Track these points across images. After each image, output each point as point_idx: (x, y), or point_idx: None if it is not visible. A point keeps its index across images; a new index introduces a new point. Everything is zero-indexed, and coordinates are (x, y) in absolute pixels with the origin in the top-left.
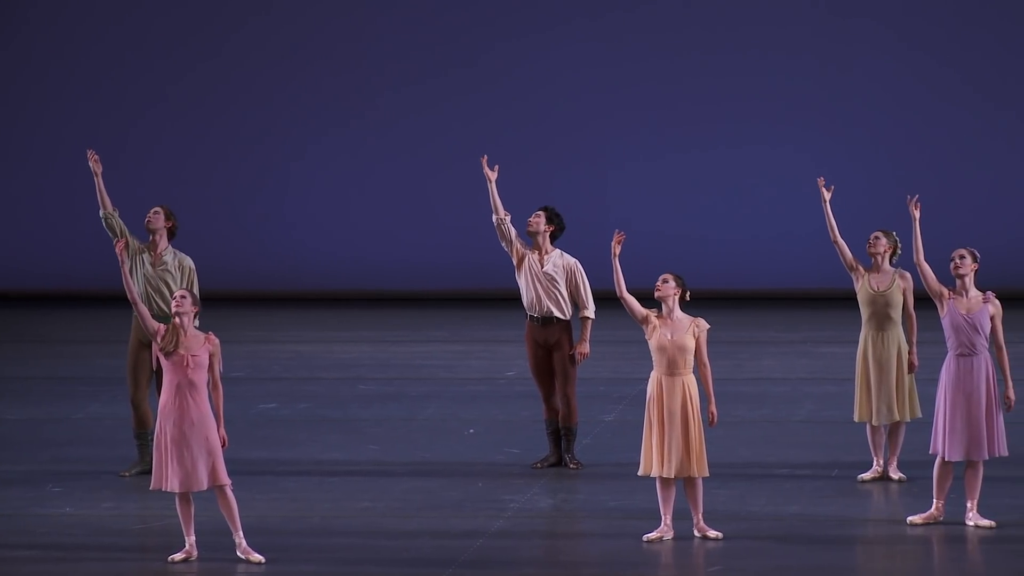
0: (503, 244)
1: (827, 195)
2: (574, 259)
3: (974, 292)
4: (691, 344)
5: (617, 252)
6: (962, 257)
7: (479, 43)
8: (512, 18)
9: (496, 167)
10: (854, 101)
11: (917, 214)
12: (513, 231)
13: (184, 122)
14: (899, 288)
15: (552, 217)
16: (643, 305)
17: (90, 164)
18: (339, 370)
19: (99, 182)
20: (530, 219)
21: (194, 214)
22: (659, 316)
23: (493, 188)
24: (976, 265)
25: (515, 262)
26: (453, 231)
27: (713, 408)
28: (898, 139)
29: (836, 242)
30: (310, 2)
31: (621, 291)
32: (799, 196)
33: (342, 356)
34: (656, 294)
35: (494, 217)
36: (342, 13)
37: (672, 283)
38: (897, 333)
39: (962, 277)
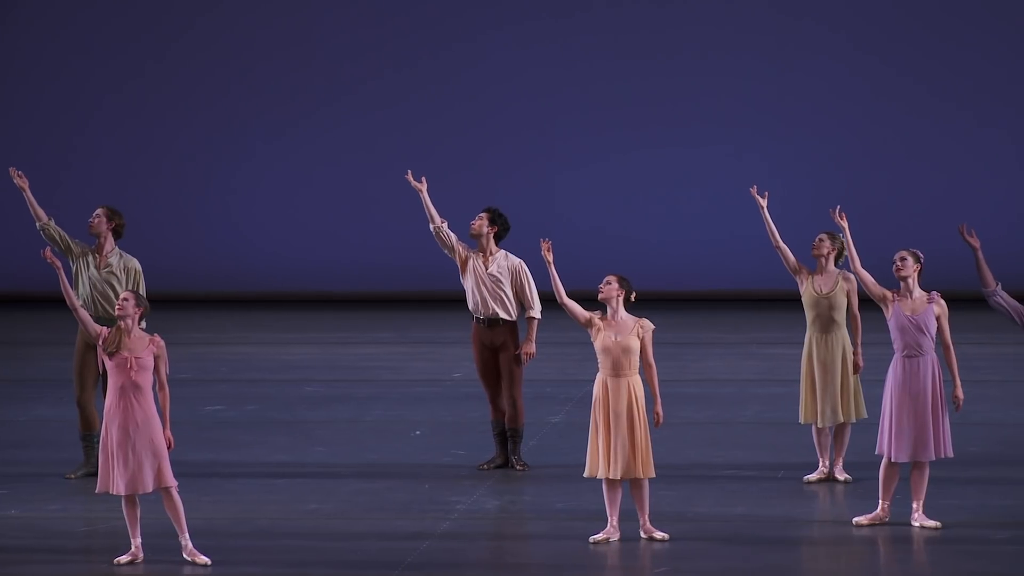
0: (445, 251)
1: (763, 202)
2: (519, 259)
3: (919, 293)
4: (636, 345)
5: (550, 259)
6: (903, 259)
7: (425, 45)
8: (458, 21)
9: (423, 178)
10: (800, 102)
11: (845, 224)
12: (452, 236)
13: (130, 124)
14: (843, 290)
15: (495, 218)
16: (586, 308)
17: (15, 181)
18: (286, 372)
19: (28, 196)
20: (472, 222)
21: (141, 216)
22: (603, 318)
23: (425, 199)
24: (919, 266)
25: (459, 265)
26: (399, 233)
27: (659, 408)
28: (844, 140)
29: (778, 247)
30: (256, 4)
31: (561, 297)
32: (744, 197)
33: (289, 358)
34: (600, 296)
35: (431, 226)
36: (288, 14)
37: (615, 284)
38: (842, 335)
39: (904, 279)
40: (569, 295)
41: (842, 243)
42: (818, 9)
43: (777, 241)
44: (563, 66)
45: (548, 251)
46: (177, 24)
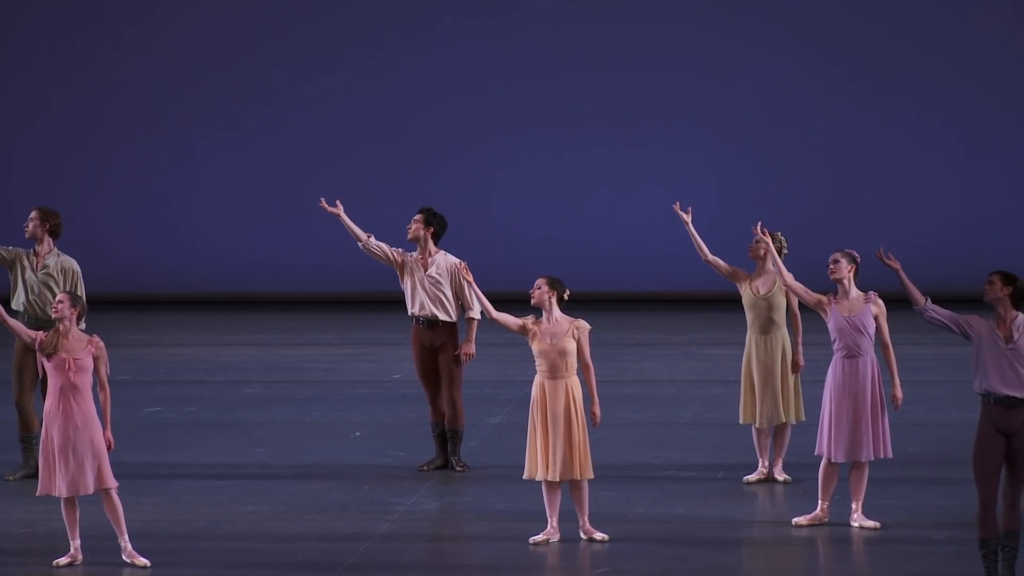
0: (380, 263)
1: (686, 218)
2: (457, 259)
3: (855, 293)
4: (572, 347)
5: (470, 279)
6: (836, 261)
7: (363, 45)
8: (394, 21)
9: (338, 202)
10: (740, 102)
11: (768, 239)
12: (382, 246)
13: (71, 125)
14: (782, 290)
15: (430, 218)
16: (517, 315)
17: None
18: (225, 373)
19: None
20: (408, 227)
21: (80, 218)
22: (536, 321)
23: (345, 221)
24: (854, 266)
25: (397, 270)
26: (338, 234)
27: (596, 409)
28: (785, 140)
29: (708, 261)
30: (193, 5)
31: (491, 315)
32: (684, 198)
33: (228, 359)
34: (532, 301)
35: (359, 244)
36: (226, 16)
37: (545, 287)
38: (782, 335)
39: (839, 281)
40: (508, 298)
41: (781, 241)
42: (759, 9)
43: (706, 256)
44: (500, 66)
45: (467, 272)
46: (118, 26)
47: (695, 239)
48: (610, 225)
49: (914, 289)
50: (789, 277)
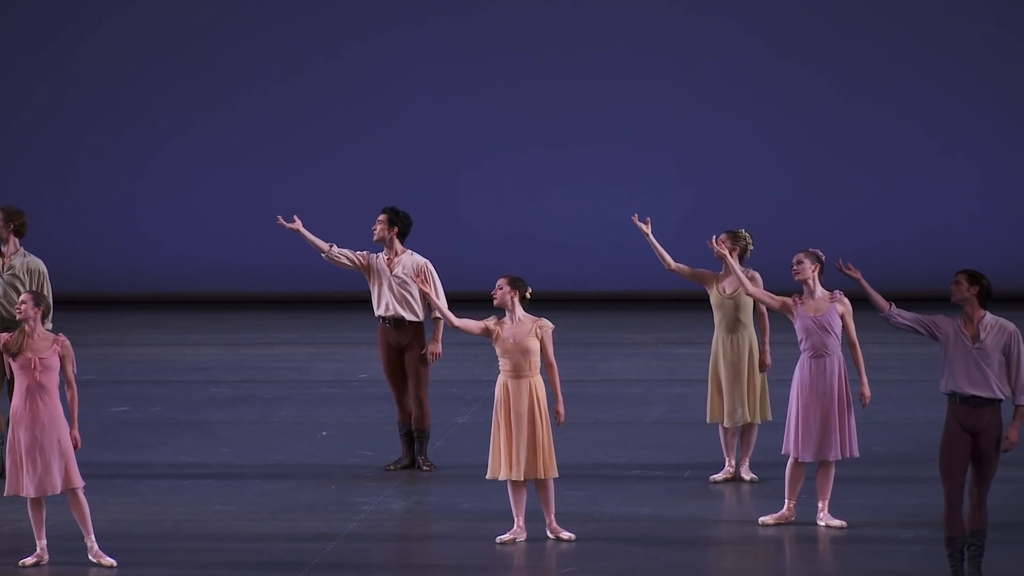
0: (347, 269)
1: (646, 229)
2: (424, 259)
3: (821, 293)
4: (535, 346)
5: (428, 290)
6: (799, 262)
7: (329, 44)
8: (360, 20)
9: (296, 217)
10: (709, 101)
11: (725, 251)
12: (345, 253)
13: (37, 125)
14: None
15: (393, 218)
16: (480, 317)
17: None
18: (191, 373)
19: None
20: (373, 228)
21: (46, 218)
22: (499, 322)
23: (305, 235)
24: (818, 266)
25: (364, 273)
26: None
27: (560, 408)
28: (754, 139)
29: (672, 270)
30: (160, 5)
31: (452, 323)
32: (652, 197)
33: (194, 359)
34: (495, 303)
35: (322, 256)
36: (191, 15)
37: (507, 288)
38: (749, 334)
39: (803, 281)
40: (475, 298)
41: (746, 239)
42: (728, 8)
43: (669, 265)
44: (467, 65)
45: (423, 282)
46: (82, 26)
47: (657, 249)
48: (577, 225)
49: (877, 296)
50: (751, 285)
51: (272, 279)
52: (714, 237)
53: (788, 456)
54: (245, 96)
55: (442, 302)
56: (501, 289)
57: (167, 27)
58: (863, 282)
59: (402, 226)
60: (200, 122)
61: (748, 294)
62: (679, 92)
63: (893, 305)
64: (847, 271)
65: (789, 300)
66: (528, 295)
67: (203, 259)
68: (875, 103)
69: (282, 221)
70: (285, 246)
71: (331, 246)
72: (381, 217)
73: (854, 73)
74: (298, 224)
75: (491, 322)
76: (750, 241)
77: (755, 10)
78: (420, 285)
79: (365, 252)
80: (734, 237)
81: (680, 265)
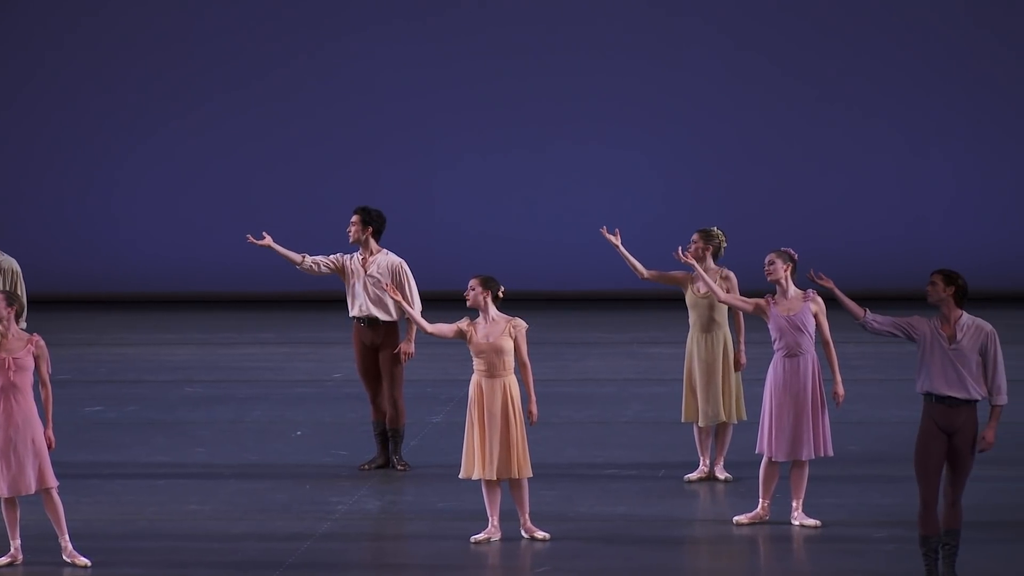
0: (325, 275)
1: (615, 240)
2: (399, 259)
3: (794, 292)
4: (509, 345)
5: (398, 298)
6: (771, 262)
7: (304, 43)
8: (334, 20)
9: (265, 234)
10: (682, 100)
11: (694, 262)
12: (318, 260)
13: (10, 124)
14: (722, 289)
15: (366, 218)
16: (452, 321)
17: None
18: (166, 372)
19: None
20: (348, 230)
21: (22, 217)
22: (472, 322)
23: (277, 249)
24: (791, 265)
25: (340, 275)
26: (278, 232)
27: (533, 407)
28: (726, 138)
29: (647, 278)
30: (136, 4)
31: (426, 330)
32: (625, 196)
33: (169, 358)
34: (468, 303)
35: (297, 268)
36: (167, 14)
37: (478, 288)
38: (723, 334)
39: (776, 281)
40: (451, 297)
41: (718, 237)
42: (700, 7)
43: (643, 274)
44: (441, 65)
45: (394, 292)
46: (58, 25)
47: (629, 260)
48: (553, 224)
49: (851, 303)
50: (723, 293)
51: (247, 279)
52: (680, 248)
53: (762, 455)
54: (219, 96)
55: (416, 307)
56: (473, 290)
57: (143, 26)
58: (836, 290)
59: (376, 225)
60: (175, 121)
61: (720, 301)
62: (653, 91)
63: (868, 311)
64: (819, 280)
65: (762, 301)
66: (501, 294)
67: (178, 259)
68: (849, 102)
69: (252, 239)
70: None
71: (303, 257)
72: (354, 218)
73: (829, 72)
74: (268, 240)
75: (464, 323)
76: (723, 239)
77: (729, 9)
78: (391, 294)
79: (338, 254)
80: (706, 236)
81: (652, 271)
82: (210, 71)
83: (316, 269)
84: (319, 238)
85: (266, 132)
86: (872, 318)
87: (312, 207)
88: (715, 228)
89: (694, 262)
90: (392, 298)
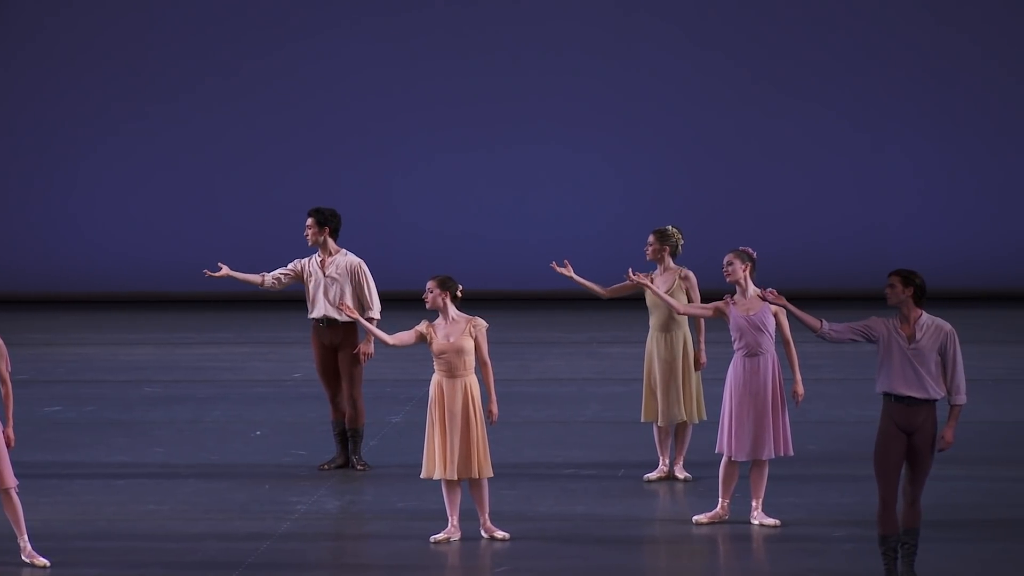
0: (289, 285)
1: (568, 272)
2: (358, 259)
3: (753, 291)
4: (469, 345)
5: (357, 316)
6: (730, 263)
7: (263, 43)
8: (297, 18)
9: (221, 265)
10: (641, 100)
11: (643, 279)
12: (277, 275)
13: None
14: (682, 289)
15: (322, 219)
16: (416, 319)
17: None
18: (125, 373)
19: None
20: (305, 234)
21: None
22: (432, 324)
23: (236, 276)
24: (749, 264)
25: (299, 279)
26: (238, 232)
27: (493, 407)
28: (686, 137)
29: (609, 296)
30: (96, 5)
31: (387, 344)
32: (586, 196)
33: (128, 359)
34: (427, 306)
35: (260, 288)
36: (126, 14)
37: (436, 291)
38: (683, 333)
39: (736, 282)
40: (410, 297)
41: (673, 236)
42: (659, 6)
43: (604, 294)
44: (401, 65)
45: (351, 311)
46: (17, 27)
47: (586, 286)
48: (512, 223)
49: (807, 317)
50: (681, 305)
51: (206, 279)
52: (630, 270)
53: (722, 455)
54: (178, 96)
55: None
56: (432, 292)
57: (102, 26)
58: (790, 306)
59: (332, 224)
60: (134, 122)
61: (680, 314)
62: (612, 91)
63: (823, 322)
64: (772, 300)
65: (720, 304)
66: (459, 294)
67: (137, 259)
68: (810, 101)
69: (209, 273)
70: (219, 245)
71: (263, 277)
72: (309, 221)
73: (788, 71)
74: (225, 270)
75: (423, 327)
76: (680, 237)
77: (688, 8)
78: (348, 313)
79: (295, 261)
80: (662, 236)
81: (610, 288)
82: (169, 72)
83: (279, 284)
84: (279, 238)
85: (226, 132)
86: (829, 328)
87: (272, 207)
88: (670, 227)
89: (647, 282)
90: (349, 317)
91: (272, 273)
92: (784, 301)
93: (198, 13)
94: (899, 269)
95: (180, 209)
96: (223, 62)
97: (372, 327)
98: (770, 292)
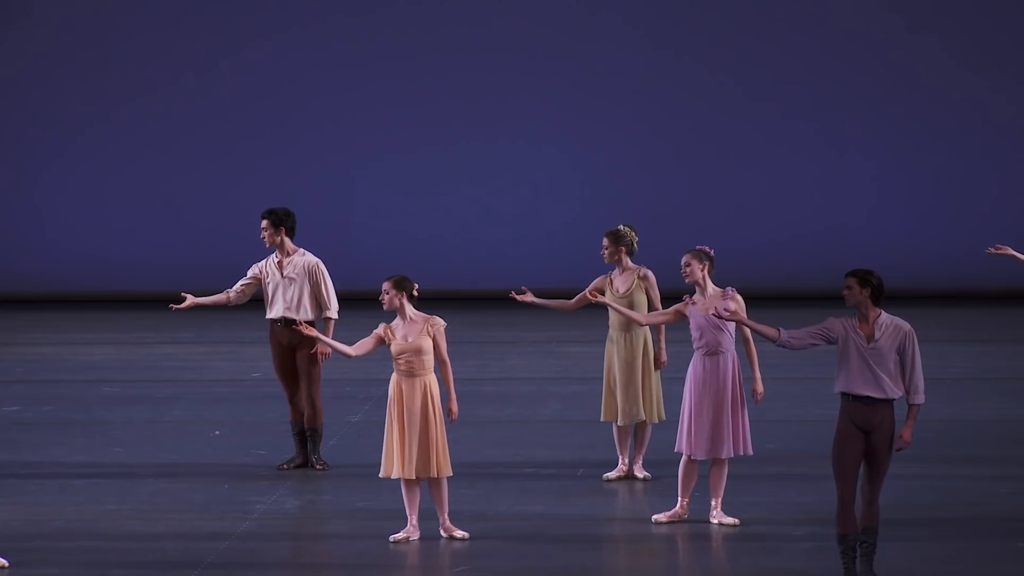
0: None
1: (530, 298)
2: (316, 259)
3: (712, 290)
4: (428, 345)
5: (314, 333)
6: (687, 264)
7: (222, 44)
8: (254, 20)
9: (185, 295)
10: (600, 99)
11: (603, 299)
12: (242, 289)
13: None
14: (641, 288)
15: (276, 220)
16: (375, 322)
17: None
18: (84, 372)
19: None
20: (261, 236)
21: None
22: (389, 326)
23: (202, 302)
24: (707, 263)
25: (260, 284)
26: (197, 232)
27: (453, 405)
28: (645, 137)
29: (575, 307)
30: (56, 7)
31: (350, 355)
32: (544, 195)
33: (87, 358)
34: (384, 307)
35: (229, 305)
36: (87, 16)
37: (392, 292)
38: (643, 333)
39: (694, 283)
40: (369, 296)
41: (629, 238)
42: (618, 5)
43: (569, 307)
44: (358, 64)
45: (307, 329)
46: None
47: (551, 306)
48: (470, 222)
49: (764, 328)
50: (642, 316)
51: (164, 278)
52: (589, 292)
53: (681, 454)
54: (138, 97)
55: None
56: (387, 294)
57: (63, 29)
58: (746, 320)
59: (287, 224)
60: (93, 123)
61: (643, 325)
62: (571, 90)
63: (782, 331)
64: (728, 317)
65: (680, 306)
66: (415, 293)
67: (96, 259)
68: (769, 101)
69: (174, 307)
70: (177, 245)
71: (227, 295)
72: (263, 223)
73: (748, 71)
74: (190, 300)
75: (381, 330)
76: (634, 235)
77: (646, 7)
78: (306, 332)
79: (253, 266)
80: (615, 237)
81: (576, 298)
82: (127, 74)
83: (244, 296)
84: (239, 237)
85: (185, 133)
86: (788, 337)
87: (231, 206)
88: (622, 227)
89: (610, 303)
90: (307, 335)
91: (235, 288)
92: (740, 316)
93: (157, 15)
94: (855, 269)
95: (139, 209)
96: (182, 64)
97: (333, 342)
98: (724, 310)
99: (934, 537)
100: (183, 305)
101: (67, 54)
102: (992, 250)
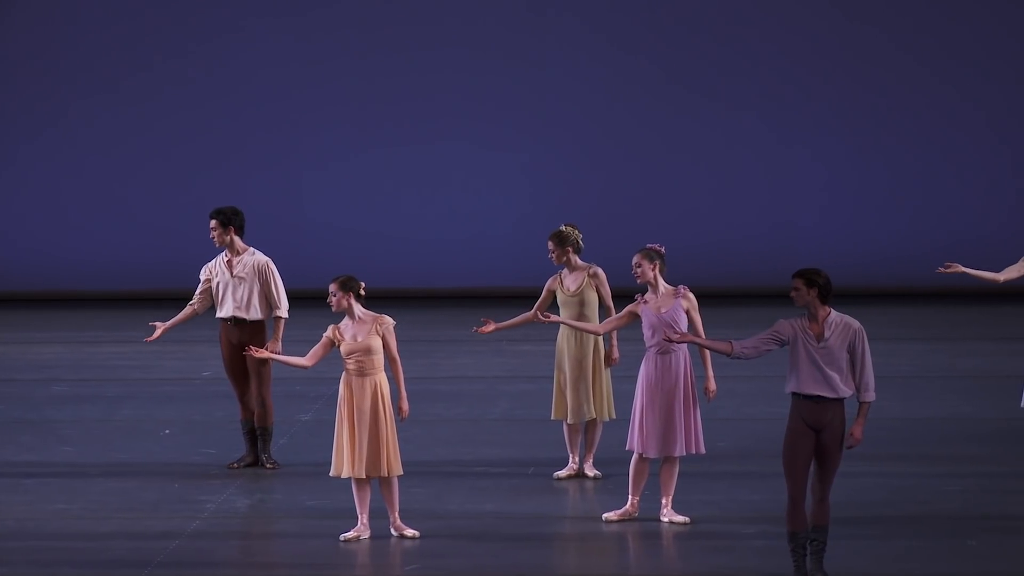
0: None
1: (492, 326)
2: (266, 258)
3: (664, 288)
4: (377, 344)
5: (266, 354)
6: (638, 265)
7: (174, 43)
8: (204, 18)
9: (154, 325)
10: (551, 98)
11: (556, 319)
12: (200, 297)
13: None
14: (591, 286)
15: (224, 220)
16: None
17: None
18: (33, 371)
19: None
20: (211, 236)
21: None
22: (337, 327)
23: (171, 325)
24: (657, 262)
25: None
26: (149, 231)
27: (403, 404)
28: (595, 136)
29: (541, 312)
30: (8, 7)
31: (306, 366)
32: (494, 194)
33: (36, 357)
34: (333, 309)
35: (198, 316)
36: (40, 14)
37: (339, 293)
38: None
39: (646, 282)
40: (320, 295)
41: (574, 237)
42: (570, 4)
43: (531, 317)
44: (308, 63)
45: (261, 352)
46: None
47: (516, 322)
48: (422, 222)
49: (716, 344)
50: (597, 327)
51: (114, 277)
52: (537, 313)
53: (632, 452)
54: (89, 96)
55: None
56: (335, 295)
57: (18, 29)
58: (696, 340)
59: (235, 222)
60: (49, 123)
61: (600, 334)
62: (521, 89)
63: (734, 343)
64: (678, 340)
65: (632, 307)
66: (362, 292)
67: (45, 257)
68: (719, 99)
69: (149, 339)
70: (128, 244)
71: (191, 307)
72: (212, 223)
73: (698, 69)
74: (160, 327)
75: (330, 332)
76: (578, 233)
77: (597, 6)
78: (256, 355)
79: (203, 268)
80: (559, 239)
81: (536, 306)
82: (82, 71)
83: (205, 303)
84: (191, 236)
85: (137, 132)
86: (740, 348)
87: (183, 205)
88: (564, 227)
89: (564, 320)
90: (259, 357)
91: (197, 296)
92: (690, 337)
93: (110, 14)
94: (802, 270)
95: (89, 207)
96: (131, 64)
97: (287, 357)
98: (674, 333)
99: (884, 535)
100: (155, 335)
101: (21, 54)
102: (942, 269)
